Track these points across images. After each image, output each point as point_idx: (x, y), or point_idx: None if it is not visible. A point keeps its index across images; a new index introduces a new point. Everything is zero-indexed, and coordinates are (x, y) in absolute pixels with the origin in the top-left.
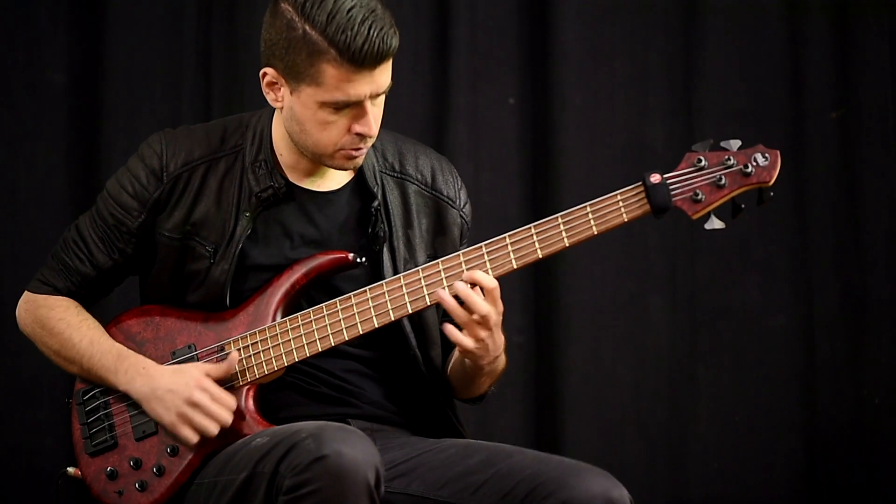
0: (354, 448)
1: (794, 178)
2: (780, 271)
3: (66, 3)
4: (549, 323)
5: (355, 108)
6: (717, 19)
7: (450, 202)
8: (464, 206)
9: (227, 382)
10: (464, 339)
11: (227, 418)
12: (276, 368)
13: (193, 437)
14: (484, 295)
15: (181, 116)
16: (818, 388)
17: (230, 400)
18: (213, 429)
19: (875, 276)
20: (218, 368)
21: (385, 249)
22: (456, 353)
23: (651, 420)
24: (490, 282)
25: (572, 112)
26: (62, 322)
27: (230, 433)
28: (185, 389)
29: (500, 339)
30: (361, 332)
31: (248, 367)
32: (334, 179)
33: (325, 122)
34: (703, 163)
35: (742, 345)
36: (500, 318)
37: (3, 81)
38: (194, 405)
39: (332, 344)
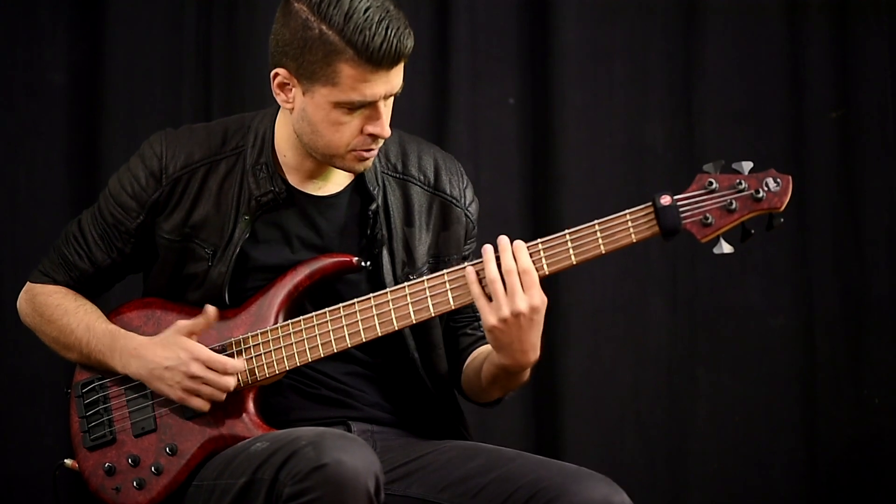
0: (354, 456)
1: (794, 179)
2: (780, 271)
3: (66, 3)
4: (549, 323)
5: (369, 108)
6: (717, 19)
7: (454, 201)
8: (469, 204)
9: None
10: (488, 313)
11: (228, 382)
12: (277, 372)
13: (205, 406)
14: (521, 278)
15: (181, 116)
16: (818, 388)
17: (224, 362)
18: (220, 395)
19: (875, 276)
20: (195, 324)
21: (385, 252)
22: (476, 353)
23: (651, 420)
24: (524, 264)
25: (572, 112)
26: (59, 309)
27: (230, 435)
28: (181, 364)
29: (535, 341)
30: (364, 340)
31: (248, 369)
32: (335, 182)
33: (338, 122)
34: (714, 185)
35: (742, 345)
36: (537, 315)
37: (3, 81)
38: (194, 377)
39: (335, 350)
